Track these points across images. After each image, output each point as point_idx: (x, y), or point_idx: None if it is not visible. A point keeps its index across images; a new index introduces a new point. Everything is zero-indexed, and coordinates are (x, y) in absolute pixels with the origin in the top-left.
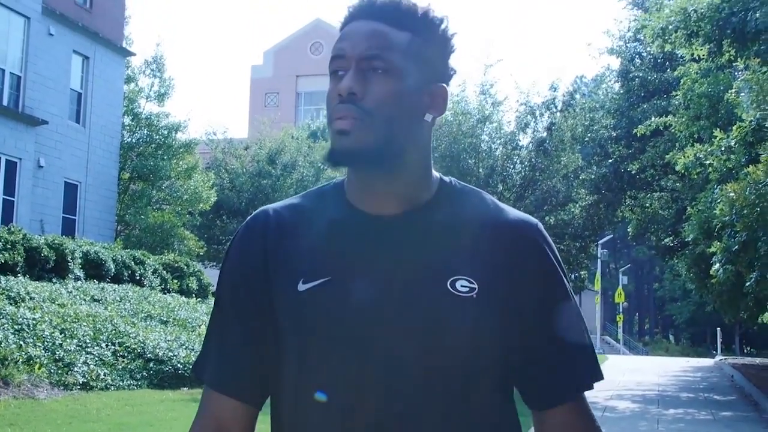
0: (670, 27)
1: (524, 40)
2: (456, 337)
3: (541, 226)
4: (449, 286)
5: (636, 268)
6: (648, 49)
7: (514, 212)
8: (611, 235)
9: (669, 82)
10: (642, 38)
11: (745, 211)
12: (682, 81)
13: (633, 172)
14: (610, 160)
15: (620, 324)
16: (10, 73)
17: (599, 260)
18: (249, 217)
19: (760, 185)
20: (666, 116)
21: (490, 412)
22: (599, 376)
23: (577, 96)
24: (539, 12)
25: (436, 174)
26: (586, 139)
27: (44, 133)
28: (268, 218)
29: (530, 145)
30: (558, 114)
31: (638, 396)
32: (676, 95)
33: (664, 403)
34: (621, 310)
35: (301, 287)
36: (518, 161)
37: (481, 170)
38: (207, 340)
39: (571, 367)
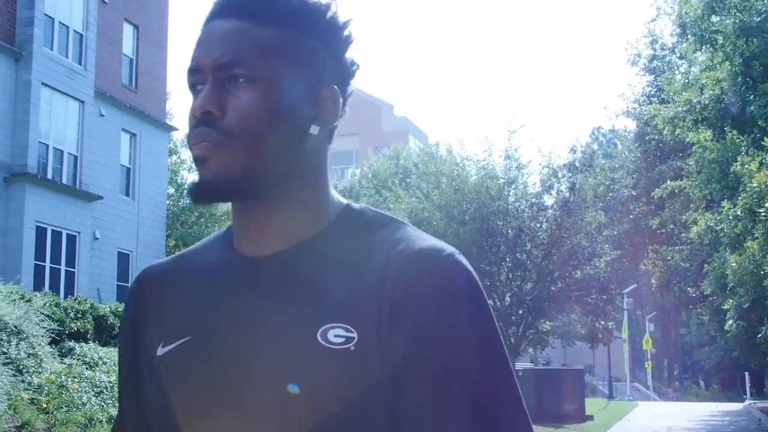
0: (679, 116)
1: (542, 102)
2: (329, 399)
3: (459, 256)
4: (319, 337)
5: (662, 315)
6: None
7: (426, 241)
8: (635, 285)
9: (683, 142)
10: (654, 123)
11: (745, 278)
12: (693, 148)
13: (654, 227)
14: (631, 216)
15: (649, 370)
16: (68, 153)
17: (625, 310)
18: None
19: (757, 258)
20: (681, 179)
21: None
22: None
23: (598, 152)
24: (556, 74)
25: (341, 200)
26: (608, 197)
27: (99, 207)
28: (143, 280)
29: (555, 204)
30: (580, 175)
31: None
32: (689, 161)
33: None
34: (649, 356)
35: (160, 351)
36: (544, 221)
37: (509, 231)
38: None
39: None
